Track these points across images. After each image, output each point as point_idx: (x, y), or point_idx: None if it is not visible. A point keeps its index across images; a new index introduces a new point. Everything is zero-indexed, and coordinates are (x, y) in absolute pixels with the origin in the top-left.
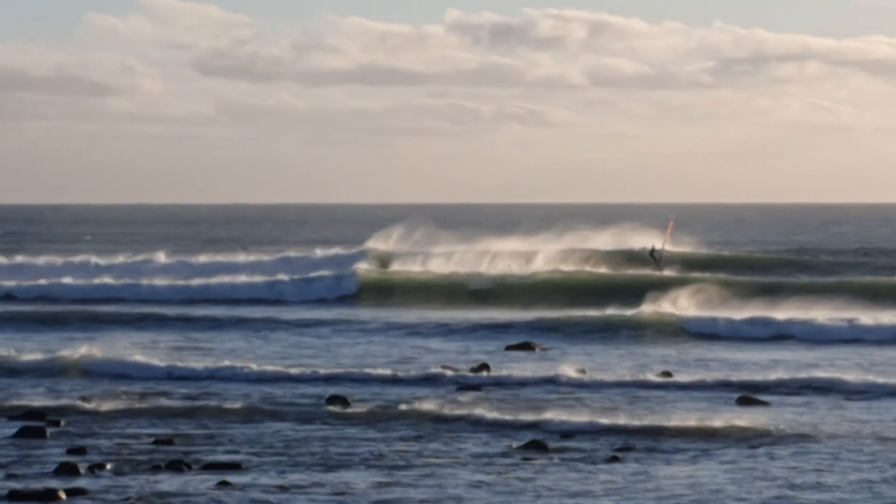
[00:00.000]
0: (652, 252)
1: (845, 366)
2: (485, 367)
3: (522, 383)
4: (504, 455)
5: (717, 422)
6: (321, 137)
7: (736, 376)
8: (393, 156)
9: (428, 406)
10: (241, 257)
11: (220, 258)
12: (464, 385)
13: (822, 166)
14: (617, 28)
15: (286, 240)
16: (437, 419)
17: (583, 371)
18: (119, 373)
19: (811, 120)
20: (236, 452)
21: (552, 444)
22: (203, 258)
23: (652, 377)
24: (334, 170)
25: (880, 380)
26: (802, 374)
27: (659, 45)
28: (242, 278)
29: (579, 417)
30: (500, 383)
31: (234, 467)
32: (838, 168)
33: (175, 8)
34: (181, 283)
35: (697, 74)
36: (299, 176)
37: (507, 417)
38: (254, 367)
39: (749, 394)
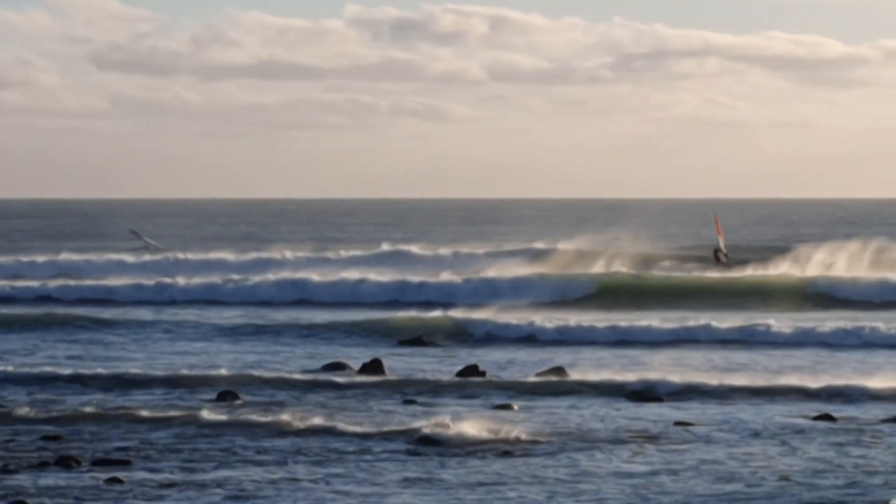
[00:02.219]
0: (716, 252)
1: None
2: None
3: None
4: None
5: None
6: (215, 132)
7: None
8: (287, 150)
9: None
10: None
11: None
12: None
13: (717, 161)
14: (517, 23)
15: (181, 235)
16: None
17: None
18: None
19: (708, 115)
20: (127, 449)
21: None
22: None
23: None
24: (228, 164)
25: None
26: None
27: (559, 40)
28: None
29: None
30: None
31: (124, 463)
32: (734, 163)
33: (74, 2)
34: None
35: (597, 70)
36: (192, 170)
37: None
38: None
39: None
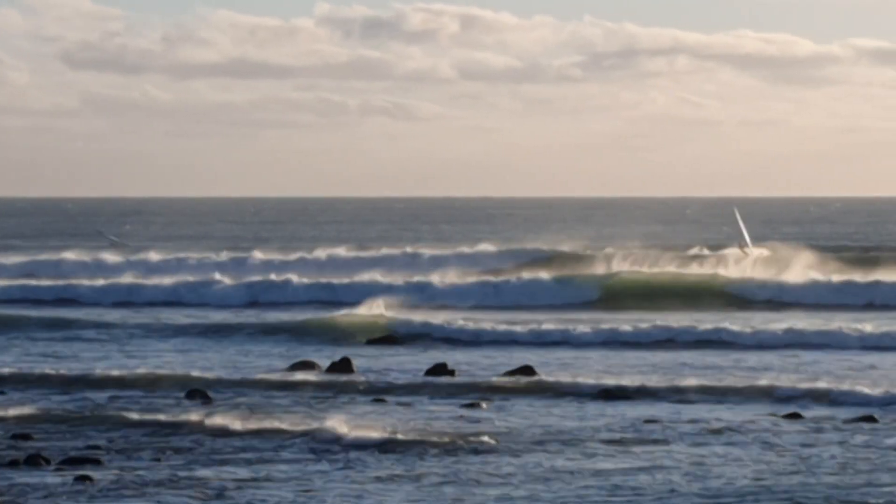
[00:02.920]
0: (741, 246)
1: None
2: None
3: None
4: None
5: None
6: (184, 130)
7: None
8: (255, 149)
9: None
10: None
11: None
12: None
13: (687, 160)
14: (487, 22)
15: (148, 234)
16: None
17: None
18: None
19: (678, 113)
20: (97, 448)
21: None
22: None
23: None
24: (196, 163)
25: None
26: None
27: (529, 39)
28: None
29: None
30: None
31: (94, 462)
32: (703, 162)
33: (46, 0)
34: None
35: (567, 68)
36: (160, 169)
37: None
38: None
39: None
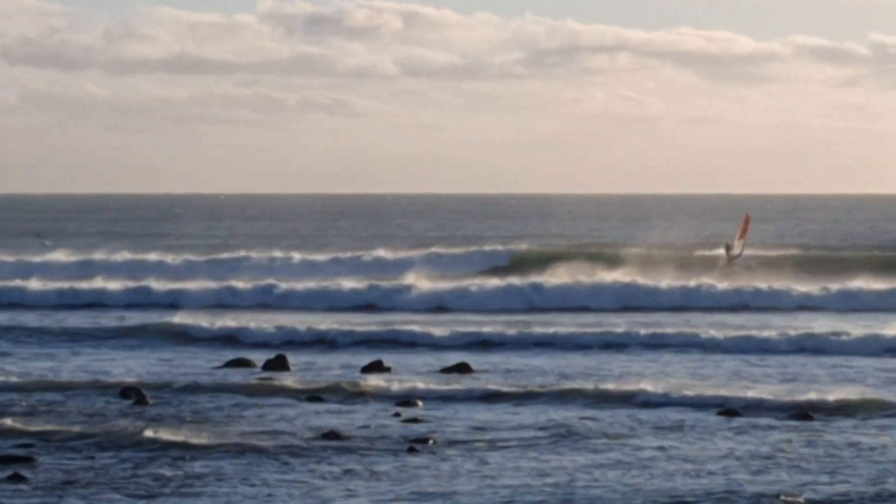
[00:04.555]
0: (728, 247)
1: None
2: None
3: None
4: None
5: None
6: (123, 126)
7: None
8: (195, 145)
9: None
10: None
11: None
12: None
13: (626, 157)
14: (430, 19)
15: (84, 233)
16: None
17: None
18: None
19: (618, 111)
20: (31, 446)
21: None
22: None
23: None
24: (136, 159)
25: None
26: None
27: (471, 36)
28: None
29: None
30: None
31: (27, 461)
32: (642, 159)
33: None
34: None
35: (509, 65)
36: (99, 165)
37: None
38: None
39: None
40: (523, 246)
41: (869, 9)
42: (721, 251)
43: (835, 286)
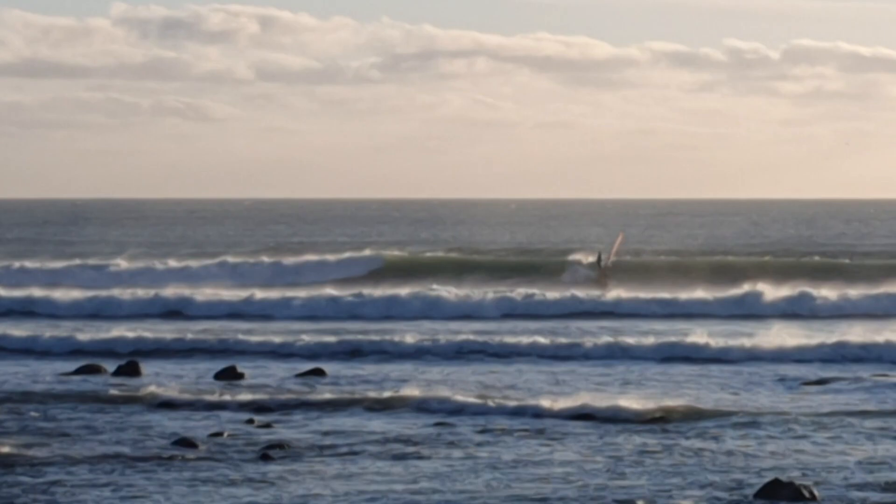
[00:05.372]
0: (598, 259)
1: None
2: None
3: None
4: None
5: None
6: None
7: None
8: (46, 150)
9: None
10: None
11: None
12: None
13: (481, 162)
14: (286, 23)
15: None
16: None
17: None
18: None
19: (474, 115)
20: None
21: None
22: None
23: None
24: None
25: None
26: None
27: (327, 40)
28: None
29: None
30: None
31: None
32: (498, 163)
33: None
34: None
35: (365, 70)
36: None
37: None
38: None
39: None
40: (366, 251)
41: (724, 15)
42: (592, 259)
43: (705, 293)
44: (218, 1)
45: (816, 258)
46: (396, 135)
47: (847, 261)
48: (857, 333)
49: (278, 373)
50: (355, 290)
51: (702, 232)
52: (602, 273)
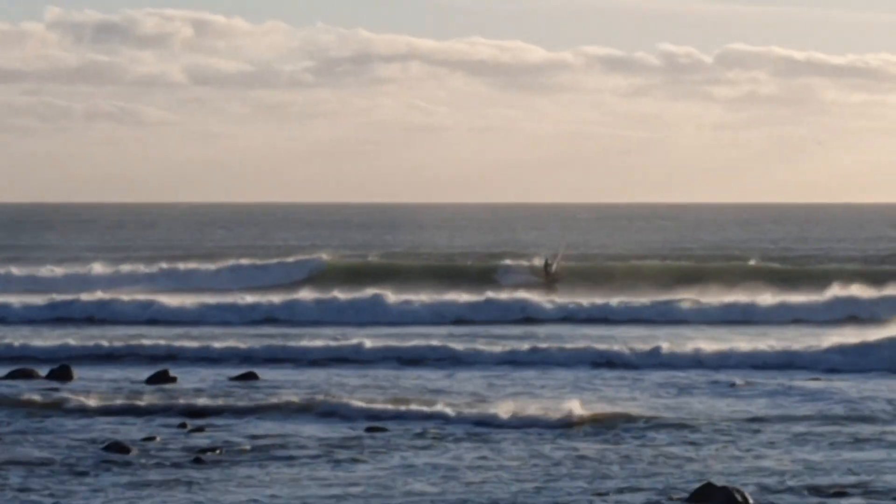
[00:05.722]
0: (546, 264)
1: None
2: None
3: None
4: None
5: None
6: None
7: None
8: None
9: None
10: None
11: None
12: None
13: (414, 166)
14: (220, 27)
15: None
16: None
17: None
18: None
19: (407, 120)
20: None
21: None
22: None
23: None
24: None
25: None
26: None
27: (261, 44)
28: None
29: None
30: None
31: None
32: (431, 168)
33: None
34: None
35: (299, 74)
36: None
37: None
38: None
39: None
40: (301, 256)
41: (659, 19)
42: (539, 263)
43: (643, 298)
44: (152, 5)
45: (752, 262)
46: (331, 139)
47: (779, 266)
48: (791, 338)
49: (211, 377)
50: (293, 295)
51: (638, 236)
52: (549, 277)
